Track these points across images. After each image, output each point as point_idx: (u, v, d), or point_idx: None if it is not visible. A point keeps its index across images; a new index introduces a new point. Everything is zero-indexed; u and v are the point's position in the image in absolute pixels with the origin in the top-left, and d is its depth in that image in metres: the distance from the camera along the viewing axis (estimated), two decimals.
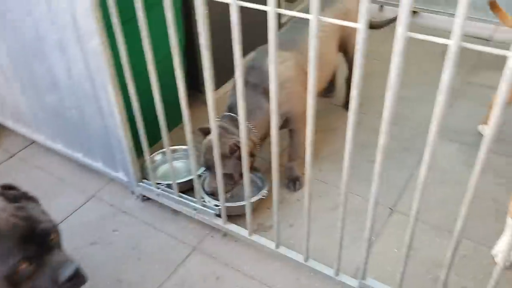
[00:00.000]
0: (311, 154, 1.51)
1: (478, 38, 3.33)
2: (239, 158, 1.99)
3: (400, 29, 1.12)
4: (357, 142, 2.63)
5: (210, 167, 1.99)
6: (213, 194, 2.00)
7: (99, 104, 1.98)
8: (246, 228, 1.94)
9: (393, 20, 2.64)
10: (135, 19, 1.58)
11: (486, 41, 3.31)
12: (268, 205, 2.19)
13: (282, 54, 2.08)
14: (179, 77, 1.63)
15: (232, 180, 2.02)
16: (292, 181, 2.25)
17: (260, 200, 2.11)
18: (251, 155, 2.01)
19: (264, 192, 2.10)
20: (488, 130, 1.16)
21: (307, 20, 2.27)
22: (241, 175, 2.06)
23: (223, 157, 1.94)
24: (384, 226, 2.07)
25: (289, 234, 2.03)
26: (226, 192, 2.00)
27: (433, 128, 1.23)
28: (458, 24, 1.02)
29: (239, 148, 1.96)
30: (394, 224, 2.08)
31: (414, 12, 3.74)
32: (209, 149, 1.95)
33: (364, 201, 2.19)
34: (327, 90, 2.90)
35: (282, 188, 2.27)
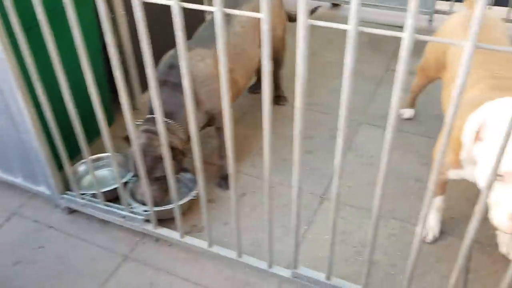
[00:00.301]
0: (233, 150, 1.50)
1: (397, 26, 3.47)
2: (173, 158, 1.95)
3: (301, 17, 1.13)
4: (285, 134, 2.69)
5: (146, 173, 1.92)
6: (155, 203, 1.94)
7: (11, 116, 1.87)
8: (178, 231, 1.90)
9: (314, 11, 2.70)
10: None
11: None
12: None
13: (201, 51, 2.06)
14: (89, 83, 1.56)
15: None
16: (224, 179, 2.24)
17: (193, 201, 2.08)
18: (182, 154, 1.97)
19: (194, 192, 2.07)
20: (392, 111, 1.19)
21: (227, 16, 2.25)
22: (177, 174, 2.02)
23: (156, 160, 1.89)
24: (316, 214, 2.10)
25: (224, 232, 2.02)
26: (166, 195, 1.96)
27: (343, 113, 1.25)
28: (354, 9, 1.05)
29: (172, 148, 1.93)
30: (325, 211, 2.11)
31: (336, 5, 3.84)
32: (142, 154, 1.90)
33: (302, 192, 2.22)
34: (255, 87, 2.92)
35: (215, 186, 2.25)
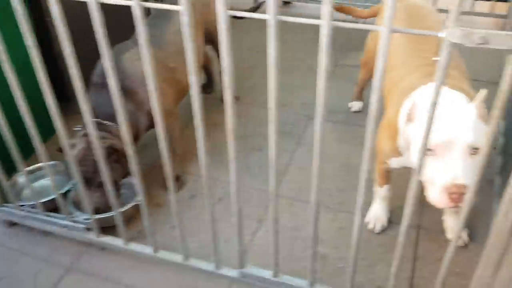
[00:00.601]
0: (170, 152, 1.45)
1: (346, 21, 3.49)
2: (117, 161, 1.88)
3: (271, 14, 1.07)
4: (241, 133, 2.66)
5: (89, 180, 1.85)
6: (100, 210, 1.87)
7: None
8: (122, 238, 1.83)
9: (257, 7, 2.68)
10: None
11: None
12: (149, 210, 2.11)
13: (138, 51, 2.00)
14: (17, 96, 1.49)
15: (116, 186, 1.90)
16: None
17: (138, 205, 2.01)
18: (125, 156, 1.91)
19: (138, 198, 2.01)
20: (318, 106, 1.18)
21: (166, 15, 2.19)
22: (123, 178, 1.96)
23: (97, 164, 1.82)
24: (266, 212, 2.07)
25: (173, 236, 1.96)
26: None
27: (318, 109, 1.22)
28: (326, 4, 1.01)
29: (115, 150, 1.86)
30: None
31: (287, 3, 3.84)
32: (83, 160, 1.83)
33: (252, 190, 2.19)
34: (206, 86, 2.88)
35: (163, 189, 2.19)
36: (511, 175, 1.09)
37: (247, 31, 3.45)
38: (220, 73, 2.72)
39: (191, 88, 1.93)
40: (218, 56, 2.62)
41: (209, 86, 2.88)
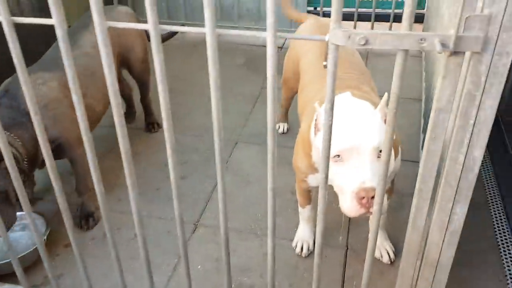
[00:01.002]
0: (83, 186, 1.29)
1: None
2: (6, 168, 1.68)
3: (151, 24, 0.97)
4: (160, 161, 2.53)
5: None
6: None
7: None
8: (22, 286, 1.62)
9: (173, 34, 2.60)
10: None
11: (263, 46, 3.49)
12: (58, 251, 1.91)
13: (42, 75, 1.85)
14: None
15: (7, 202, 1.68)
16: (85, 218, 2.00)
17: (47, 246, 1.81)
18: (22, 171, 1.70)
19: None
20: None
21: (74, 36, 2.03)
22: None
23: None
24: (188, 242, 1.93)
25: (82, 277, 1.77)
26: (9, 225, 1.67)
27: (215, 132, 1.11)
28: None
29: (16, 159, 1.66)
30: (199, 239, 1.96)
31: None
32: None
33: (169, 222, 2.05)
34: (125, 115, 2.73)
35: (74, 227, 2.00)
36: (417, 183, 1.04)
37: (172, 57, 3.37)
38: (141, 100, 2.60)
39: (103, 114, 1.76)
40: (137, 82, 2.49)
41: (130, 115, 2.74)
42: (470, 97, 0.87)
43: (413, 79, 2.95)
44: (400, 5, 3.41)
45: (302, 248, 1.84)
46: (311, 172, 1.54)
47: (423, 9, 3.46)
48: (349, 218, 2.02)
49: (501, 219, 1.97)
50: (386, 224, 1.84)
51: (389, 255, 1.78)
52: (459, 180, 0.97)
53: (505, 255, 1.81)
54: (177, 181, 1.11)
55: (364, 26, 3.48)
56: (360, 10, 3.51)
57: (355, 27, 3.41)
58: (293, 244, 1.87)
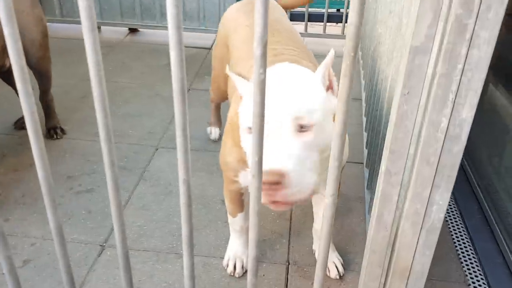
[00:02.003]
0: None
1: (198, 47, 3.21)
2: None
3: None
4: (63, 172, 2.11)
5: None
6: None
7: None
8: None
9: None
10: None
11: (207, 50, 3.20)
12: None
13: None
14: None
15: None
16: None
17: None
18: None
19: None
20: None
21: None
22: None
23: None
24: (93, 269, 1.54)
25: None
26: None
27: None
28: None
29: None
30: (107, 263, 1.57)
31: (134, 30, 3.45)
32: None
33: (76, 244, 1.64)
34: (23, 119, 2.28)
35: None
36: (382, 162, 0.77)
37: (85, 59, 2.95)
38: (41, 98, 2.17)
39: None
40: (35, 74, 2.07)
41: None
42: (459, 27, 0.61)
43: None
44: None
45: (235, 267, 1.52)
46: (243, 167, 1.23)
47: None
48: (289, 227, 1.73)
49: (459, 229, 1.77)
50: (331, 232, 1.56)
51: (337, 269, 1.50)
52: (439, 155, 0.71)
53: (466, 264, 1.60)
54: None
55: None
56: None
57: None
58: (224, 263, 1.54)
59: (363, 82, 2.51)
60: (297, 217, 1.78)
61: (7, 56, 1.98)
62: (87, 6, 0.58)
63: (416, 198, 0.75)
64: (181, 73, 0.61)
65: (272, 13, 1.66)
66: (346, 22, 3.21)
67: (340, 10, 3.50)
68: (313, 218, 1.57)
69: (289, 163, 0.92)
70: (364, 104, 2.31)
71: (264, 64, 0.64)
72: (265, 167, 0.90)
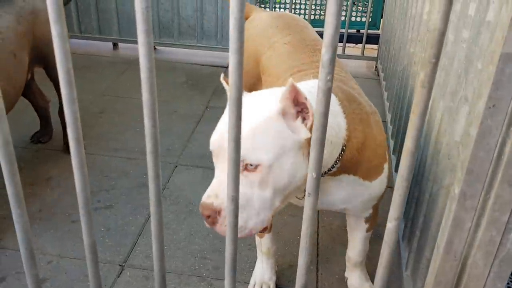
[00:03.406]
0: None
1: (216, 66, 3.17)
2: None
3: None
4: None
5: None
6: None
7: None
8: None
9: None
10: None
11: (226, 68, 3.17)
12: None
13: None
14: None
15: None
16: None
17: None
18: None
19: None
20: None
21: None
22: None
23: None
24: None
25: None
26: None
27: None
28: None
29: None
30: (126, 285, 1.49)
31: (116, 44, 3.44)
32: None
33: (86, 264, 1.56)
34: (39, 134, 2.23)
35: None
36: (456, 185, 0.70)
37: (103, 75, 2.92)
38: (58, 113, 2.12)
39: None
40: (56, 86, 2.03)
41: (46, 133, 2.25)
42: None
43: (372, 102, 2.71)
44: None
45: None
46: None
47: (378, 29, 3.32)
48: (317, 253, 1.65)
49: None
50: (364, 260, 1.47)
51: None
52: None
53: None
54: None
55: None
56: None
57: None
58: (249, 287, 1.46)
59: (387, 103, 2.44)
60: (324, 243, 1.70)
61: (32, 70, 1.94)
62: (146, 30, 0.52)
63: (492, 225, 0.68)
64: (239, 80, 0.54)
65: (313, 33, 1.62)
66: (366, 43, 3.18)
67: (360, 31, 3.47)
68: (341, 244, 1.49)
69: (225, 201, 0.86)
70: (390, 126, 2.24)
71: (332, 71, 0.57)
72: (203, 198, 0.96)
